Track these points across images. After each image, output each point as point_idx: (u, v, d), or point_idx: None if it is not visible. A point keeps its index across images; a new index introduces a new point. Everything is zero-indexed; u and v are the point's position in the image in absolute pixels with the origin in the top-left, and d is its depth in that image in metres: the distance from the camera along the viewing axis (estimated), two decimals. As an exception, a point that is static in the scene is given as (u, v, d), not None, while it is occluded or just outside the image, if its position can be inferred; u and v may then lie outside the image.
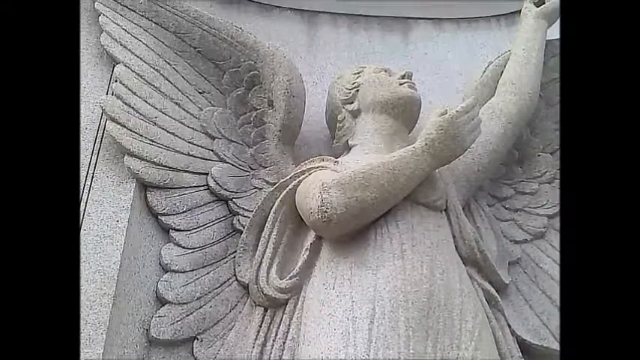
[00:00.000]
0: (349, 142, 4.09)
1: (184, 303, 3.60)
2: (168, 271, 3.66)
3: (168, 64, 4.12)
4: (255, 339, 3.58)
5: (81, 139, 3.77)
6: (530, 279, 4.03)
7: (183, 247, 3.73)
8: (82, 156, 3.71)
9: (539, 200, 4.21)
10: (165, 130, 3.90)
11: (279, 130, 4.14)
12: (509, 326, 3.76)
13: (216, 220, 3.89)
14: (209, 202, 3.91)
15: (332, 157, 3.95)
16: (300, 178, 3.80)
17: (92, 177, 3.67)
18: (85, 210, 3.55)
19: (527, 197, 4.24)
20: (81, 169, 3.68)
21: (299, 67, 4.36)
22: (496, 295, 3.75)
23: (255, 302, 3.70)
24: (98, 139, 3.81)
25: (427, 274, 3.36)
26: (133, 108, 3.87)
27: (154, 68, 4.06)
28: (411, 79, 4.17)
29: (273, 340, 3.56)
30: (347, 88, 4.21)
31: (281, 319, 3.60)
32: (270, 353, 3.53)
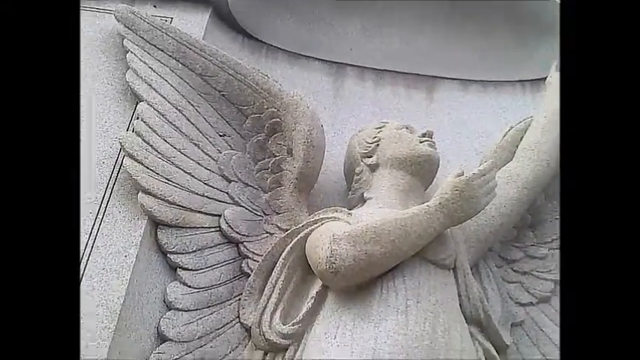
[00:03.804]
0: (365, 195, 4.10)
1: (185, 341, 3.59)
2: (171, 309, 3.66)
3: (192, 105, 4.16)
4: (253, 382, 3.59)
5: (97, 172, 3.83)
6: (532, 342, 4.01)
7: (189, 287, 3.73)
8: (96, 189, 3.77)
9: (548, 265, 4.19)
10: (182, 169, 3.92)
11: (296, 179, 4.14)
12: (508, 387, 3.74)
13: (224, 262, 3.89)
14: (219, 244, 3.92)
15: (345, 209, 3.96)
16: (312, 227, 3.81)
17: (105, 211, 3.71)
18: (94, 243, 3.57)
19: (536, 261, 4.22)
20: (94, 202, 3.73)
21: (322, 117, 4.39)
22: (496, 355, 3.72)
23: (255, 346, 3.70)
24: (114, 174, 3.85)
25: (429, 330, 3.34)
26: (151, 146, 3.90)
27: (176, 108, 4.09)
28: (431, 138, 4.19)
29: (271, 385, 3.57)
30: (367, 142, 4.24)
31: (280, 365, 3.61)
32: (267, 398, 3.53)
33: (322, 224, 3.79)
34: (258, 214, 4.08)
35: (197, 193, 3.93)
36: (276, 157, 4.21)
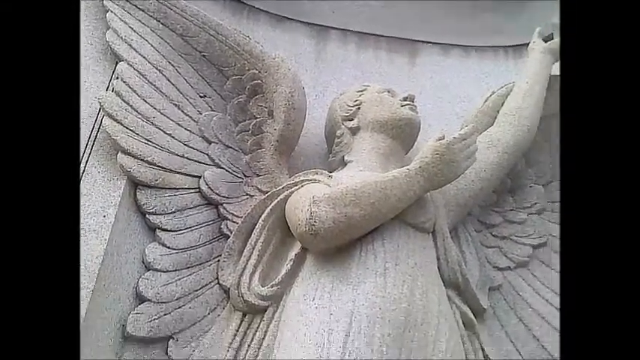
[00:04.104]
0: (345, 158, 4.11)
1: (163, 302, 3.60)
2: (150, 270, 3.66)
3: (172, 65, 4.12)
4: (231, 343, 3.60)
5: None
6: (508, 306, 4.08)
7: (168, 247, 3.74)
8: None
9: (526, 230, 4.26)
10: (161, 130, 3.90)
11: (277, 141, 4.14)
12: (483, 350, 3.76)
13: (204, 223, 3.90)
14: (199, 205, 3.92)
15: (326, 171, 3.97)
16: (292, 189, 3.81)
17: (83, 171, 3.66)
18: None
19: (515, 226, 4.27)
20: (73, 161, 3.69)
21: (304, 79, 4.38)
22: (473, 318, 3.78)
23: (234, 307, 3.71)
24: (93, 134, 3.80)
25: (407, 293, 3.37)
26: (131, 106, 3.87)
27: (156, 68, 4.06)
28: (413, 102, 4.20)
29: (248, 346, 3.58)
30: (348, 105, 4.24)
31: (258, 326, 3.61)
32: (244, 358, 3.54)
33: (302, 186, 3.80)
34: (239, 175, 4.07)
35: (177, 154, 3.92)
36: (257, 119, 4.19)
